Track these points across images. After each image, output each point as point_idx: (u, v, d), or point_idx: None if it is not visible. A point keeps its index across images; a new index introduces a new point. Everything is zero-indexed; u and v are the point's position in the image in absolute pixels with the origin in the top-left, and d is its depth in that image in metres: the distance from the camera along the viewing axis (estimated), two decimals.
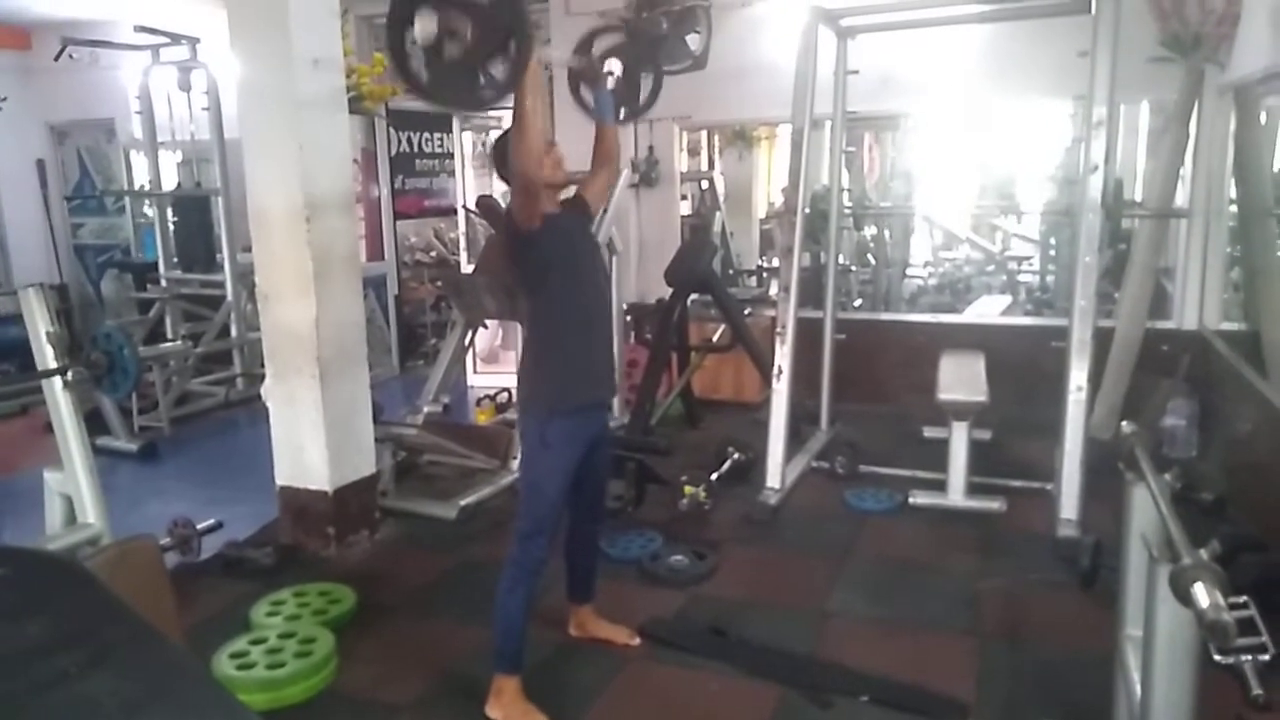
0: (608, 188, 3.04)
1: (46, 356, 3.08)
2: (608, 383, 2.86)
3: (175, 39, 6.51)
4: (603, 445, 2.83)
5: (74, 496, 3.14)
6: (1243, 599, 1.48)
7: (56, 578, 1.14)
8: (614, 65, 2.83)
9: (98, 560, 1.87)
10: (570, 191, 2.81)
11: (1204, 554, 1.54)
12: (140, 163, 7.39)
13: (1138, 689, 1.86)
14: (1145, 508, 1.94)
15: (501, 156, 2.68)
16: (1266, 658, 1.53)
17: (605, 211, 4.55)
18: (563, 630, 3.03)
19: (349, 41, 4.73)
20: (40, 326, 3.08)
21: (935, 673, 2.78)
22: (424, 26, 2.07)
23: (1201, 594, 1.44)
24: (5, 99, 8.18)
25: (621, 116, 2.98)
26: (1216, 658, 1.53)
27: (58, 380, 3.11)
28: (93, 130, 8.51)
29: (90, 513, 3.12)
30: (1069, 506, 3.62)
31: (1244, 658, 1.57)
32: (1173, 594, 1.52)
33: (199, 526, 3.77)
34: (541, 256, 2.58)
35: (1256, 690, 1.63)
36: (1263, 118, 4.45)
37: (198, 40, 6.46)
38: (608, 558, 3.56)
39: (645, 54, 2.98)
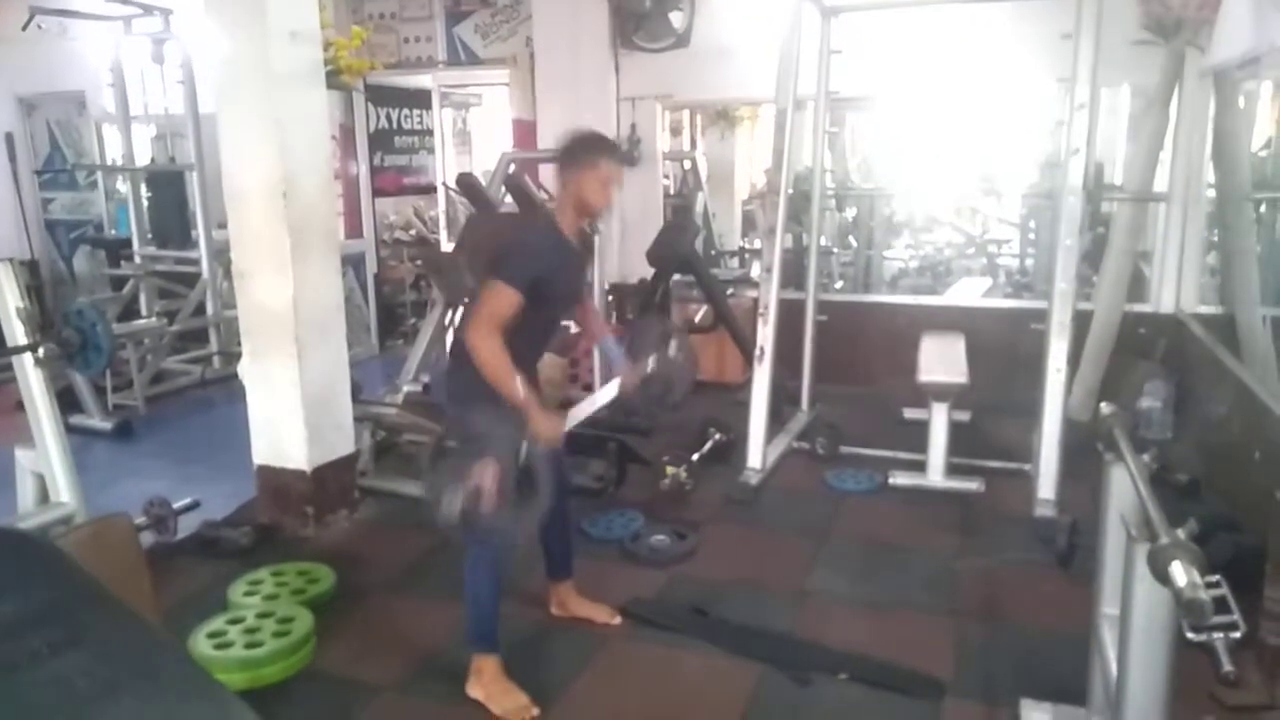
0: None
1: (16, 332, 3.03)
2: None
3: (148, 10, 6.37)
4: None
5: (46, 475, 3.09)
6: (1215, 578, 1.50)
7: (27, 555, 1.11)
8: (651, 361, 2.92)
9: (71, 539, 1.84)
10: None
11: (1181, 534, 1.56)
12: (113, 137, 7.24)
13: (1114, 667, 1.88)
14: (1124, 488, 1.96)
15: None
16: (1238, 635, 1.55)
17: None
18: (544, 609, 3.03)
19: (327, 14, 4.66)
20: (9, 301, 3.02)
21: (913, 651, 2.80)
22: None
23: (1179, 572, 1.45)
24: None
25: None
26: (1189, 635, 1.55)
27: (28, 357, 3.05)
28: (63, 103, 8.32)
29: (63, 491, 3.08)
30: (1046, 487, 3.65)
31: (1216, 635, 1.59)
32: (1150, 573, 1.53)
33: (175, 506, 3.73)
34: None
35: (1228, 667, 1.66)
36: (1241, 102, 4.48)
37: (170, 11, 6.32)
38: (589, 538, 3.56)
39: (679, 375, 3.04)
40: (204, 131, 5.97)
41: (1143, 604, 1.69)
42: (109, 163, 7.52)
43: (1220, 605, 1.48)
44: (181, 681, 0.96)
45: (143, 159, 7.06)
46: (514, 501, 2.37)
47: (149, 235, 6.81)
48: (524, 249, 2.54)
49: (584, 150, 2.53)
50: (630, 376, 2.87)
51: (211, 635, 2.79)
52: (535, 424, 2.40)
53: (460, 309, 5.17)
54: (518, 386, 2.37)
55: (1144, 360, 4.83)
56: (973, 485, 4.02)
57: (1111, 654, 1.94)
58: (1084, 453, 3.47)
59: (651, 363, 2.92)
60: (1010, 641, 2.88)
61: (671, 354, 2.99)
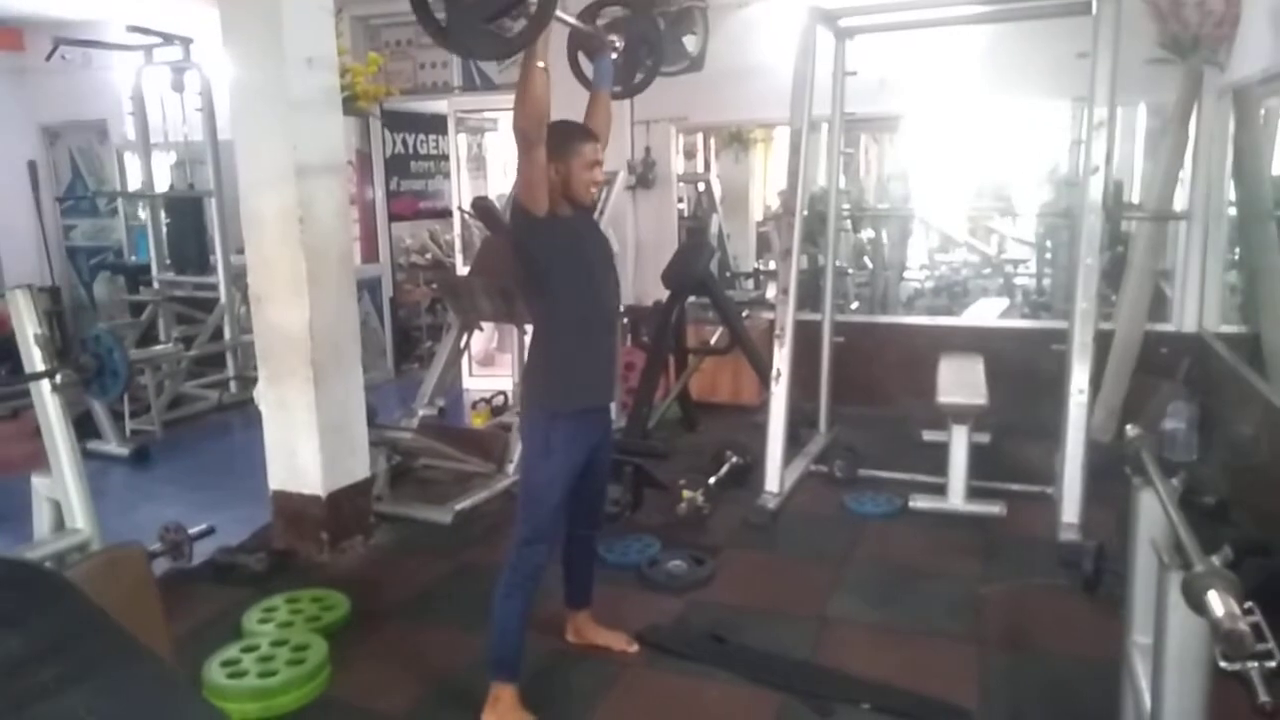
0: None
1: (34, 359, 3.04)
2: (609, 385, 2.82)
3: (168, 39, 6.47)
4: (604, 449, 2.79)
5: (62, 501, 3.09)
6: (1248, 604, 1.45)
7: (35, 588, 1.09)
8: (615, 39, 2.84)
9: (83, 569, 1.82)
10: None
11: (1216, 560, 1.51)
12: (133, 164, 7.34)
13: (1147, 698, 1.82)
14: (1153, 513, 1.91)
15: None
16: (1274, 664, 1.50)
17: (602, 213, 4.53)
18: (560, 637, 2.99)
19: (343, 41, 4.70)
20: (28, 328, 3.04)
21: (937, 680, 2.74)
22: None
23: (1216, 602, 1.40)
24: None
25: (616, 91, 2.97)
26: (1223, 665, 1.50)
27: (46, 383, 3.06)
28: (85, 131, 8.44)
29: (79, 518, 3.07)
30: (1071, 510, 3.59)
31: (1251, 664, 1.54)
32: (1185, 601, 1.49)
33: (191, 531, 3.73)
34: (546, 250, 2.54)
35: (1264, 697, 1.61)
36: (1262, 119, 4.43)
37: (191, 40, 6.42)
38: (605, 563, 3.52)
39: (646, 32, 2.99)
40: (223, 158, 6.03)
41: (1177, 633, 1.64)
42: (129, 189, 7.60)
43: (1255, 633, 1.44)
44: (190, 718, 0.94)
45: (162, 185, 7.14)
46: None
47: (168, 261, 6.88)
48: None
49: (564, 139, 2.56)
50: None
51: (225, 664, 2.77)
52: None
53: (475, 332, 5.20)
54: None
55: (1167, 380, 4.76)
56: (995, 509, 3.95)
57: (1145, 684, 1.88)
58: (1107, 475, 3.41)
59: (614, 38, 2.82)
60: (1037, 670, 2.81)
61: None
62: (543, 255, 2.55)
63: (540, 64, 2.32)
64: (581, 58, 2.93)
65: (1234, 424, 4.19)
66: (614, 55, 2.81)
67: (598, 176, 2.62)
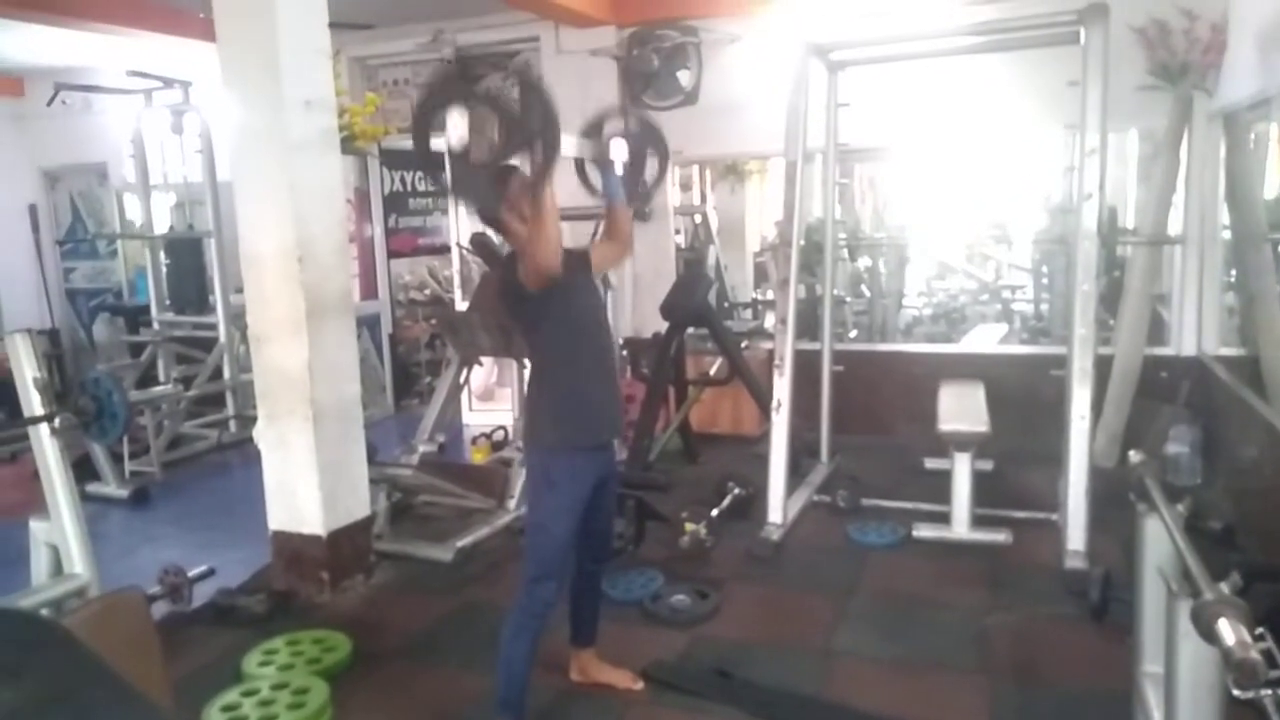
0: (616, 260, 3.06)
1: (33, 403, 3.03)
2: (614, 421, 2.78)
3: (167, 83, 6.53)
4: (610, 483, 2.78)
5: (60, 546, 3.07)
6: (1259, 631, 1.44)
7: (34, 637, 1.08)
8: (619, 149, 2.86)
9: (81, 616, 1.81)
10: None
11: (1225, 587, 1.50)
12: (133, 206, 7.38)
13: None
14: (1159, 540, 1.90)
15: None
16: None
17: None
18: (564, 675, 2.95)
19: (341, 82, 4.75)
20: (27, 372, 3.03)
21: (946, 713, 2.71)
22: (456, 130, 2.12)
23: (1227, 630, 1.39)
24: None
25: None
26: (1236, 693, 1.48)
27: (45, 427, 3.05)
28: (85, 174, 8.51)
29: (78, 563, 3.05)
30: (1076, 537, 3.56)
31: (1265, 692, 1.52)
32: (1195, 630, 1.47)
33: (190, 574, 3.69)
34: (537, 307, 2.55)
35: None
36: (1252, 143, 4.47)
37: (190, 84, 6.48)
38: (608, 598, 3.47)
39: (651, 140, 3.04)
40: (222, 199, 6.07)
41: (1188, 662, 1.62)
42: (129, 231, 7.64)
43: (1267, 660, 1.42)
44: None
45: (162, 227, 7.17)
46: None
47: (167, 302, 6.89)
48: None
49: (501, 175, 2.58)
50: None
51: (225, 708, 2.73)
52: None
53: (474, 368, 5.20)
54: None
55: (1168, 404, 4.76)
56: (999, 537, 3.93)
57: (1157, 715, 1.86)
58: (1111, 500, 3.40)
59: (618, 148, 2.82)
60: (1047, 700, 2.78)
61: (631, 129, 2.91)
62: (533, 308, 2.56)
63: (550, 201, 2.34)
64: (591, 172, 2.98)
65: (1237, 447, 4.17)
66: (618, 172, 2.83)
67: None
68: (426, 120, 2.22)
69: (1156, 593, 1.91)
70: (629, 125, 2.99)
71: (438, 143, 2.25)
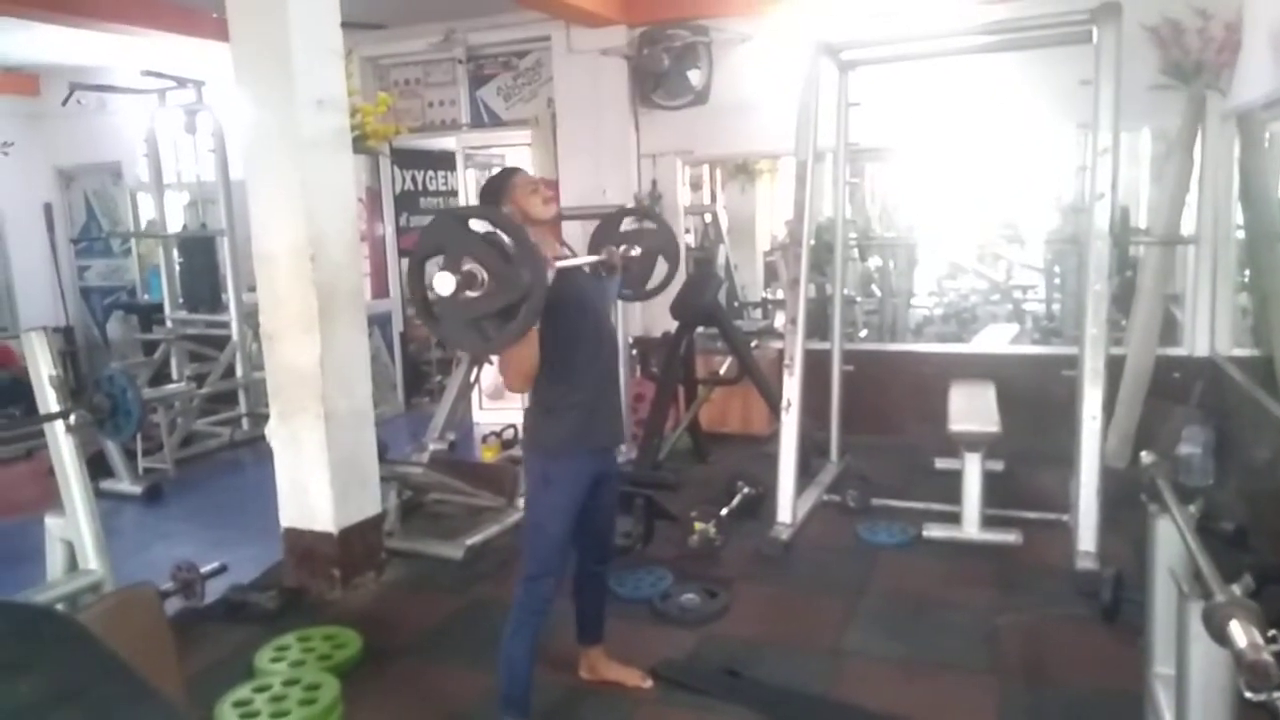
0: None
1: (48, 400, 3.06)
2: (613, 430, 2.76)
3: (181, 82, 6.58)
4: (609, 482, 2.77)
5: (75, 542, 3.09)
6: (1271, 633, 1.43)
7: (49, 632, 1.09)
8: (627, 252, 2.91)
9: (96, 611, 1.83)
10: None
11: (1237, 589, 1.50)
12: (147, 204, 7.43)
13: None
14: (1171, 541, 1.89)
15: None
16: None
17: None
18: (573, 673, 2.96)
19: (353, 81, 4.76)
20: (43, 369, 3.06)
21: (955, 713, 2.71)
22: (443, 282, 2.17)
23: (1238, 632, 1.39)
24: (12, 144, 8.26)
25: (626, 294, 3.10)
26: (1248, 695, 1.48)
27: (60, 424, 3.08)
28: (100, 173, 8.57)
29: (92, 559, 3.07)
30: (1087, 538, 3.55)
31: (1277, 695, 1.51)
32: (1207, 632, 1.47)
33: (203, 570, 3.72)
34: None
35: None
36: (1267, 142, 4.44)
37: (203, 83, 6.52)
38: (617, 597, 3.49)
39: (663, 243, 3.10)
40: (235, 197, 6.10)
41: (1200, 664, 1.61)
42: (143, 229, 7.69)
43: None
44: None
45: (175, 225, 7.22)
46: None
47: (180, 300, 6.93)
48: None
49: (499, 183, 2.64)
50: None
51: (237, 704, 2.75)
52: None
53: (485, 366, 5.21)
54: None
55: (1180, 405, 4.73)
56: (1010, 537, 3.91)
57: (1168, 717, 1.85)
58: (1123, 501, 3.39)
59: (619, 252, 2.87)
60: (1057, 702, 2.77)
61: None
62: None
63: (525, 348, 2.39)
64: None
65: (1250, 448, 4.15)
66: (617, 275, 2.88)
67: (545, 193, 2.65)
68: (422, 266, 2.29)
69: (1168, 594, 1.90)
70: (643, 225, 3.09)
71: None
